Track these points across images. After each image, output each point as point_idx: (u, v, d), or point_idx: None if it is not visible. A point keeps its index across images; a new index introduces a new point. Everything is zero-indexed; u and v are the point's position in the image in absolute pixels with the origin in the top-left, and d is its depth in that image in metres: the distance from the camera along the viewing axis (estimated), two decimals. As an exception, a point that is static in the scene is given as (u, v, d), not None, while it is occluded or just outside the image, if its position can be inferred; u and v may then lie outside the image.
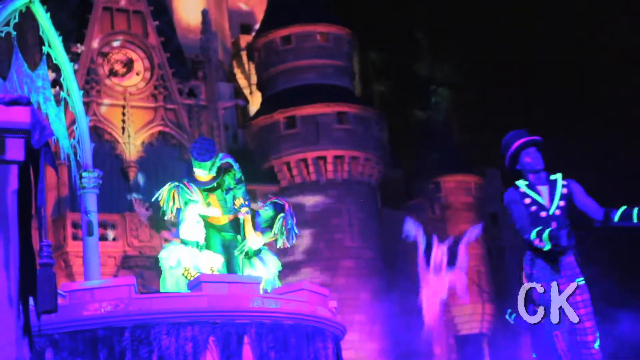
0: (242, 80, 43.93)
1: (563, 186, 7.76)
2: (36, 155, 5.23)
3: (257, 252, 14.12)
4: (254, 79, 42.85)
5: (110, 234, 33.97)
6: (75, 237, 32.08)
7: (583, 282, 7.63)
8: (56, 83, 19.84)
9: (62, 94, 17.83)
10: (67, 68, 17.54)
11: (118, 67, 36.93)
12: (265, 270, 13.94)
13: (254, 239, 13.89)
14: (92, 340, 11.62)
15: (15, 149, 5.04)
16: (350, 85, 41.01)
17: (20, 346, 5.24)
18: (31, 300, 5.54)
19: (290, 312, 12.61)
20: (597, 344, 7.52)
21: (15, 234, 5.03)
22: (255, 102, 42.47)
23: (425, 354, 39.59)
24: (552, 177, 7.84)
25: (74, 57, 34.17)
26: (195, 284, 12.69)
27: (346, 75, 40.63)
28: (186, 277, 13.33)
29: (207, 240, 13.79)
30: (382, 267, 38.48)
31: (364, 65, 43.87)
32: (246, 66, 43.85)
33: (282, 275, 14.76)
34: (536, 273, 7.57)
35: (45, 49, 17.44)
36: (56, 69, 18.01)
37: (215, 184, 14.00)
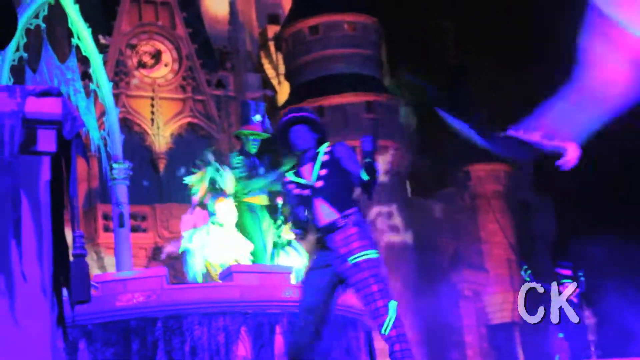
0: (270, 71, 43.94)
1: (325, 154, 7.01)
2: (68, 146, 5.23)
3: (290, 241, 14.12)
4: (281, 69, 42.85)
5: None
6: (106, 229, 32.24)
7: (369, 256, 6.70)
8: (85, 75, 19.95)
9: (92, 86, 17.90)
10: (96, 60, 17.60)
11: (146, 59, 37.05)
12: (298, 260, 13.95)
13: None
14: (124, 331, 11.67)
15: (47, 140, 5.04)
16: (378, 74, 40.92)
17: (55, 337, 5.25)
18: (65, 292, 5.55)
19: (322, 302, 12.58)
20: (386, 329, 6.65)
21: (48, 225, 5.03)
22: (283, 92, 42.47)
23: (456, 344, 39.52)
24: (318, 150, 7.06)
25: (103, 50, 34.30)
26: (227, 274, 12.71)
27: (374, 64, 40.54)
28: (209, 271, 13.34)
29: (243, 222, 13.76)
30: (413, 256, 38.40)
31: (392, 54, 43.74)
32: (274, 56, 43.85)
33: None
34: (314, 259, 6.87)
35: (74, 41, 17.52)
36: (85, 61, 18.09)
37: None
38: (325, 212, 6.82)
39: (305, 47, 40.05)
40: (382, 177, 38.19)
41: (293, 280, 13.14)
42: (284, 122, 7.21)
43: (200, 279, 13.27)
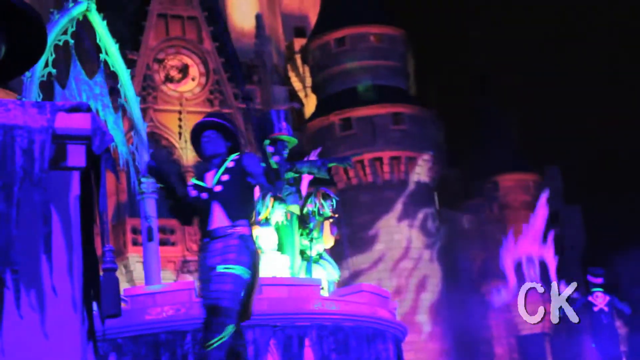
0: (296, 83, 44.03)
1: (231, 160, 6.90)
2: (97, 161, 5.28)
3: (321, 254, 14.10)
4: (308, 81, 42.93)
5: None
6: (135, 243, 32.39)
7: (236, 272, 6.59)
8: (113, 90, 20.06)
9: (120, 101, 18.00)
10: (124, 75, 17.70)
11: (174, 73, 37.22)
12: (332, 272, 13.93)
13: (328, 239, 13.95)
14: (154, 344, 11.70)
15: (77, 155, 5.08)
16: (405, 85, 40.90)
17: (85, 351, 5.28)
18: (95, 306, 5.59)
19: (351, 314, 12.58)
20: (211, 346, 6.50)
21: (78, 240, 5.07)
22: (310, 104, 42.54)
23: (486, 354, 39.34)
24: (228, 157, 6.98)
25: (130, 64, 34.50)
26: (256, 287, 12.72)
27: (401, 76, 40.53)
28: None
29: (280, 238, 13.76)
30: (441, 268, 38.30)
31: (419, 65, 43.73)
32: (300, 69, 43.95)
33: (341, 278, 14.70)
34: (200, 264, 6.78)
35: (102, 56, 17.62)
36: (113, 76, 18.19)
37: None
38: (218, 218, 6.74)
39: (331, 59, 40.11)
40: (410, 188, 38.10)
41: (324, 292, 13.13)
42: (197, 125, 7.18)
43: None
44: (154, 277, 17.64)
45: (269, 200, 13.72)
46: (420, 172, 38.72)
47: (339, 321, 12.48)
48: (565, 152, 44.67)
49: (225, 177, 6.83)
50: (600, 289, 14.46)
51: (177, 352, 11.68)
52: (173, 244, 34.56)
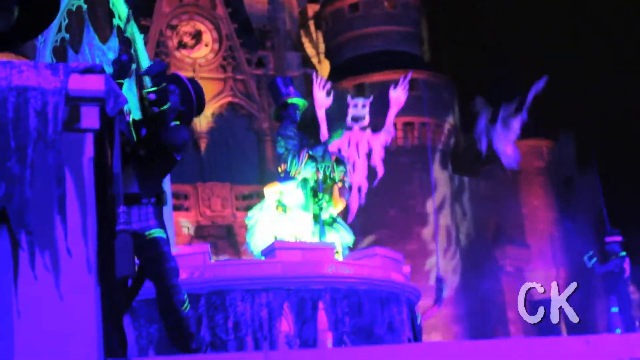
0: (310, 49, 43.86)
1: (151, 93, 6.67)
2: (111, 123, 5.28)
3: (335, 218, 14.12)
4: (321, 47, 42.76)
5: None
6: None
7: (157, 235, 6.70)
8: (127, 56, 19.98)
9: (133, 66, 17.98)
10: (137, 39, 17.66)
11: (187, 39, 37.13)
12: (346, 237, 13.97)
13: (338, 203, 13.99)
14: (168, 308, 11.71)
15: (91, 117, 5.08)
16: (419, 51, 40.73)
17: (100, 314, 5.29)
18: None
19: (364, 278, 12.61)
20: (186, 308, 6.73)
21: (92, 201, 5.08)
22: (323, 70, 42.40)
23: (498, 319, 39.41)
24: None
25: (143, 31, 34.43)
26: (270, 251, 12.75)
27: (415, 42, 40.36)
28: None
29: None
30: (455, 233, 38.31)
31: (433, 31, 43.51)
32: (314, 35, 43.77)
33: (354, 243, 14.73)
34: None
35: (115, 21, 17.59)
36: (127, 42, 18.13)
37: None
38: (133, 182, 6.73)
39: (345, 25, 39.94)
40: (424, 153, 38.04)
41: (338, 256, 13.16)
42: (174, 76, 7.07)
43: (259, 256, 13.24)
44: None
45: (305, 156, 13.76)
46: (434, 138, 38.64)
47: (353, 285, 12.51)
48: (580, 118, 44.34)
49: (153, 97, 6.62)
50: (623, 252, 14.37)
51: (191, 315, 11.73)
52: (187, 209, 34.63)
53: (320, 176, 13.92)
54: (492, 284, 39.39)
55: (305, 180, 13.84)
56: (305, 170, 13.78)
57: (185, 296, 6.81)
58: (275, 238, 13.31)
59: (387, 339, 12.53)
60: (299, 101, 14.18)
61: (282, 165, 13.97)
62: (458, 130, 40.52)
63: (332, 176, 13.93)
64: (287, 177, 13.76)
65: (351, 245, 14.18)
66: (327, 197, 13.94)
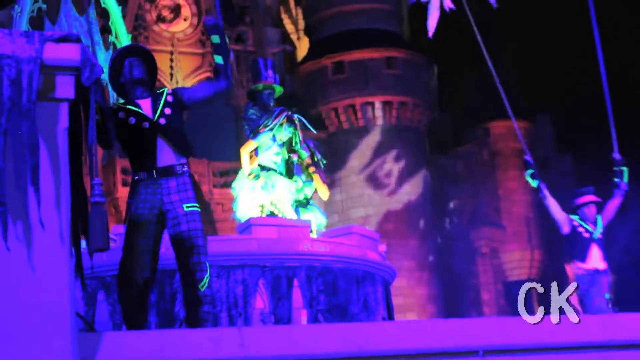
0: (289, 26, 43.70)
1: (169, 94, 6.71)
2: (86, 93, 5.21)
3: (309, 199, 14.12)
4: (301, 24, 42.61)
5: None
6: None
7: (198, 209, 6.61)
8: (104, 30, 19.90)
9: (111, 38, 17.87)
10: (115, 11, 17.53)
11: (165, 13, 36.91)
12: (321, 218, 13.99)
13: (323, 191, 14.05)
14: (143, 283, 11.68)
15: (66, 87, 5.02)
16: (399, 29, 40.66)
17: (72, 284, 5.24)
18: (83, 242, 5.55)
19: (340, 256, 12.59)
20: (204, 286, 6.56)
21: (66, 172, 5.02)
22: (302, 47, 42.26)
23: (473, 300, 39.60)
24: (159, 91, 6.80)
25: (122, 3, 34.19)
26: (245, 227, 12.72)
27: (394, 20, 40.27)
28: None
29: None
30: (430, 213, 38.39)
31: (413, 10, 43.41)
32: (293, 11, 43.60)
33: (331, 221, 14.73)
34: (135, 202, 6.58)
35: (93, -7, 17.45)
36: (104, 14, 18.01)
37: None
38: (166, 153, 6.61)
39: (325, 1, 39.79)
40: (401, 133, 38.04)
41: (312, 234, 13.15)
42: (122, 49, 6.88)
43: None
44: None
45: (284, 118, 13.72)
46: (412, 117, 38.63)
47: (328, 262, 12.49)
48: (558, 99, 44.44)
49: (168, 111, 6.65)
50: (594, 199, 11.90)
51: (166, 290, 11.69)
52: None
53: (296, 158, 13.90)
54: (467, 265, 39.55)
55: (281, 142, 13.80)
56: (281, 133, 13.73)
57: (207, 274, 6.61)
58: (262, 207, 13.33)
59: (361, 317, 12.53)
60: (275, 88, 14.16)
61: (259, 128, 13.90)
62: (436, 110, 40.53)
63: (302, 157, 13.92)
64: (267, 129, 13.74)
65: (322, 228, 14.17)
66: (302, 177, 13.93)
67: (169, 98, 6.72)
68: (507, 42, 43.60)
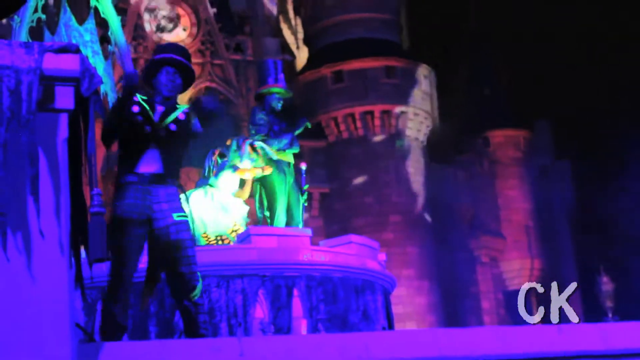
0: (288, 36, 43.75)
1: (182, 112, 6.76)
2: (86, 103, 5.21)
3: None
4: (300, 34, 42.66)
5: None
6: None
7: (184, 218, 6.58)
8: (104, 39, 19.87)
9: (110, 48, 17.86)
10: (114, 21, 17.54)
11: (165, 23, 36.95)
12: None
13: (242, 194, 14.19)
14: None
15: (65, 97, 5.01)
16: (398, 39, 40.70)
17: (72, 295, 5.23)
18: (83, 253, 5.54)
19: (339, 265, 12.60)
20: (196, 295, 6.54)
21: (65, 183, 5.01)
22: (302, 57, 42.31)
23: (473, 309, 39.56)
24: (178, 105, 6.86)
25: (121, 13, 34.21)
26: (245, 237, 12.72)
27: (394, 29, 40.31)
28: (207, 242, 13.36)
29: (272, 179, 13.75)
30: (430, 222, 38.36)
31: (412, 18, 43.49)
32: (293, 21, 43.66)
33: (330, 231, 14.73)
34: (122, 205, 6.57)
35: (92, 2, 17.44)
36: (104, 24, 17.99)
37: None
38: (156, 161, 6.63)
39: (324, 11, 39.84)
40: (401, 142, 38.04)
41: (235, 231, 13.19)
42: (163, 59, 6.95)
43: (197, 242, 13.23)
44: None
45: (248, 148, 13.73)
46: (411, 127, 38.63)
47: (328, 272, 12.50)
48: (556, 107, 44.49)
49: (173, 127, 6.69)
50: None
51: (165, 301, 11.68)
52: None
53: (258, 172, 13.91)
54: (467, 274, 39.52)
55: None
56: (244, 162, 13.73)
57: (200, 283, 6.61)
58: (234, 225, 13.37)
59: (361, 326, 12.53)
60: (284, 92, 14.16)
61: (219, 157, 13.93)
62: (435, 119, 40.54)
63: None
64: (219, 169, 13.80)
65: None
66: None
67: (181, 116, 6.77)
68: (504, 50, 43.65)
